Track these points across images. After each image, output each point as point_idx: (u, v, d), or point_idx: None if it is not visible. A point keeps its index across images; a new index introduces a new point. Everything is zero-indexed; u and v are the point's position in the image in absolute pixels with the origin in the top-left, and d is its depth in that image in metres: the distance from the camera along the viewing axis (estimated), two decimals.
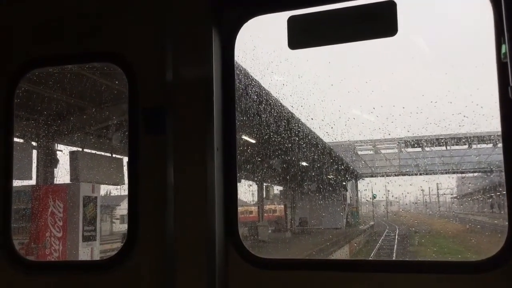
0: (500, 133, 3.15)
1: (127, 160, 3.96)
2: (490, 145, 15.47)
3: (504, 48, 2.67)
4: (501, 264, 3.07)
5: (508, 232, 3.10)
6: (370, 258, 18.77)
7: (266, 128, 13.24)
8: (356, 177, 21.94)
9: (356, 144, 18.44)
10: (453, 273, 3.19)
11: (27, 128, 18.23)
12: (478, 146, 15.86)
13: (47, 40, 4.04)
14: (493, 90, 3.17)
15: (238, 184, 3.77)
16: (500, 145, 3.15)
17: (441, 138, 15.42)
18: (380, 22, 3.44)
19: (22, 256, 4.40)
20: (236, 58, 3.80)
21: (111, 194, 29.90)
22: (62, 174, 19.72)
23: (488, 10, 3.20)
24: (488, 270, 3.09)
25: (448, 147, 16.23)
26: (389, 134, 14.69)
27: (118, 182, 21.19)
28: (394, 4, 3.38)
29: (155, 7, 3.74)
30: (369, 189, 22.04)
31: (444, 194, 23.45)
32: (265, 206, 31.43)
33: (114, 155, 21.02)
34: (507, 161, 3.13)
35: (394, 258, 18.98)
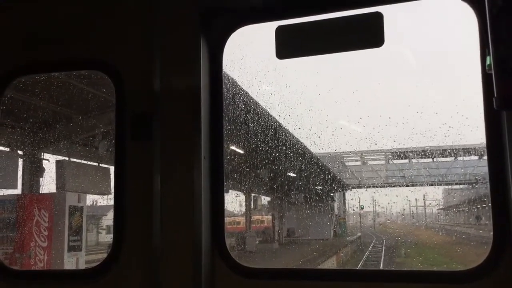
0: (485, 144, 3.19)
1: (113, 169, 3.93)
2: (476, 157, 15.60)
3: (488, 60, 2.70)
4: (487, 273, 3.09)
5: (493, 242, 3.13)
6: (357, 268, 18.77)
7: (254, 137, 13.21)
8: (344, 187, 21.95)
9: (343, 154, 18.48)
10: (441, 282, 3.21)
11: (12, 136, 18.04)
12: (464, 158, 15.98)
13: (34, 47, 4.02)
14: (478, 101, 3.21)
15: (225, 194, 3.76)
16: (485, 157, 3.18)
17: (428, 150, 15.51)
18: (367, 33, 3.47)
19: (7, 265, 4.34)
20: (224, 67, 3.80)
21: (98, 204, 29.60)
22: (47, 183, 19.53)
23: (473, 22, 3.24)
24: (474, 279, 3.11)
25: (435, 159, 16.33)
26: (376, 144, 14.74)
27: (104, 191, 21.01)
28: (381, 16, 3.41)
29: (143, 15, 3.74)
30: (356, 199, 22.05)
31: (431, 205, 23.55)
32: (252, 217, 31.29)
33: (101, 165, 20.86)
34: (492, 172, 3.16)
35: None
